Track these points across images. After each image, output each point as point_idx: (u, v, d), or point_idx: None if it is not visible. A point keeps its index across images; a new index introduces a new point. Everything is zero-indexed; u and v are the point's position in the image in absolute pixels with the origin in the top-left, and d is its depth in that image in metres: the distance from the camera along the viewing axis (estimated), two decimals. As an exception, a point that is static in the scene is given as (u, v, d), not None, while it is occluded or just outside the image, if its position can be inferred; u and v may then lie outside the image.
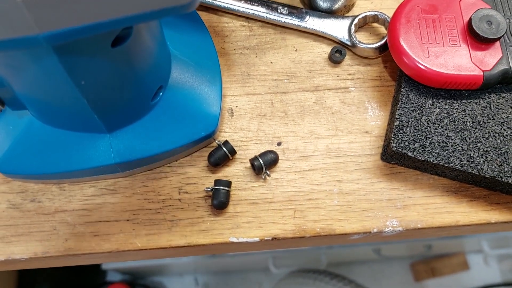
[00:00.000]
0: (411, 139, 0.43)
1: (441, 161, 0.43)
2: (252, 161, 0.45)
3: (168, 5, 0.28)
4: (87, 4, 0.26)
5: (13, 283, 1.09)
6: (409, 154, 0.43)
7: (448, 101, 0.45)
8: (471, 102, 0.45)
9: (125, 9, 0.27)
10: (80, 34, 0.27)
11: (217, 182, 0.43)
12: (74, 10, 0.26)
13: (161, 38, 0.40)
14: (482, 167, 0.43)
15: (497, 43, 0.44)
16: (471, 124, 0.44)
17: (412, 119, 0.44)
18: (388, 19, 0.48)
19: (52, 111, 0.38)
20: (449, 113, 0.44)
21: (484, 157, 0.43)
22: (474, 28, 0.44)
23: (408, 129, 0.44)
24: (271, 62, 0.49)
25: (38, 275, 1.12)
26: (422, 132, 0.44)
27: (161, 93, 0.41)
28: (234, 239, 0.43)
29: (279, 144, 0.46)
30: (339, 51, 0.49)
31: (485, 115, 0.44)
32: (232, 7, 0.50)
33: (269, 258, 1.24)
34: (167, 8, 0.28)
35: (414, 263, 1.42)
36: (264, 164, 0.44)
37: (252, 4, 0.50)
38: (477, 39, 0.44)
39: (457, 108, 0.45)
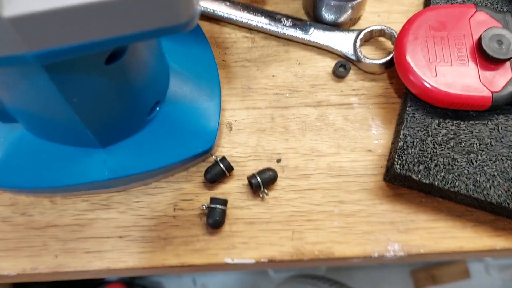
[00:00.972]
0: (416, 160, 0.42)
1: (446, 185, 0.41)
2: (249, 178, 0.43)
3: (163, 25, 0.26)
4: (78, 22, 0.24)
5: (9, 284, 1.08)
6: (413, 176, 0.41)
7: (455, 121, 0.43)
8: (478, 123, 0.43)
9: (118, 28, 0.26)
10: (71, 54, 0.26)
11: (212, 200, 0.42)
12: (64, 29, 0.24)
13: (159, 52, 0.38)
14: (488, 192, 0.41)
15: (507, 63, 0.43)
16: (478, 147, 0.42)
17: (417, 139, 0.42)
18: (395, 34, 0.47)
19: (44, 126, 0.37)
20: (455, 134, 0.43)
21: (490, 182, 0.41)
22: (484, 47, 0.42)
23: (412, 150, 0.42)
24: (272, 76, 0.48)
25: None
26: (427, 153, 0.42)
27: (158, 108, 0.40)
28: (229, 260, 0.42)
29: (278, 161, 0.45)
30: (344, 66, 0.48)
31: (493, 137, 0.43)
32: (234, 18, 0.48)
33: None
34: (163, 28, 0.26)
35: (414, 270, 1.40)
36: (262, 182, 0.43)
37: (255, 15, 0.48)
38: (486, 58, 0.42)
39: (464, 130, 0.43)
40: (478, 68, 0.43)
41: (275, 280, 1.27)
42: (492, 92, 0.42)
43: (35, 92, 0.31)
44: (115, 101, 0.35)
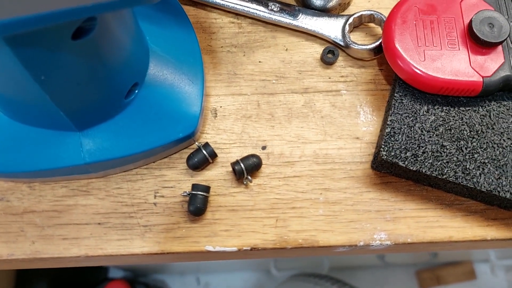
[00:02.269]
0: (403, 147, 0.40)
1: (434, 172, 0.40)
2: (233, 165, 0.42)
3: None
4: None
5: (11, 279, 1.08)
6: (400, 163, 0.40)
7: (444, 108, 0.42)
8: (469, 109, 0.42)
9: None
10: (30, 25, 0.25)
11: (194, 186, 0.41)
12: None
13: (137, 32, 0.37)
14: (478, 180, 0.40)
15: (499, 47, 0.41)
16: (468, 133, 0.41)
17: (405, 126, 0.41)
18: (384, 19, 0.46)
19: (17, 107, 0.36)
20: (445, 120, 0.41)
21: (481, 169, 0.40)
22: (475, 31, 0.41)
23: (400, 136, 0.41)
24: (259, 62, 0.47)
25: (37, 271, 1.10)
26: (415, 140, 0.41)
27: (136, 91, 0.39)
28: (210, 248, 0.41)
29: (263, 148, 0.44)
30: (332, 52, 0.46)
31: (484, 124, 0.42)
32: (221, 2, 0.47)
33: (270, 260, 1.22)
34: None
35: (419, 270, 1.39)
36: (245, 169, 0.42)
37: (242, 0, 0.47)
38: (477, 42, 0.41)
39: (454, 116, 0.42)
40: (468, 52, 0.41)
41: (278, 279, 1.26)
42: (483, 77, 0.41)
43: (1, 69, 0.30)
44: (87, 81, 0.34)
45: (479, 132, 0.41)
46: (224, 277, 1.38)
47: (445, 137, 0.41)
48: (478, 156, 0.40)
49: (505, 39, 0.41)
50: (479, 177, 0.40)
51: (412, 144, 0.40)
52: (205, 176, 0.43)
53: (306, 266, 1.26)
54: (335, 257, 1.24)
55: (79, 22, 0.29)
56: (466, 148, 0.41)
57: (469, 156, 0.40)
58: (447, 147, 0.41)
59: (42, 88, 0.32)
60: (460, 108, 0.42)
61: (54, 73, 0.31)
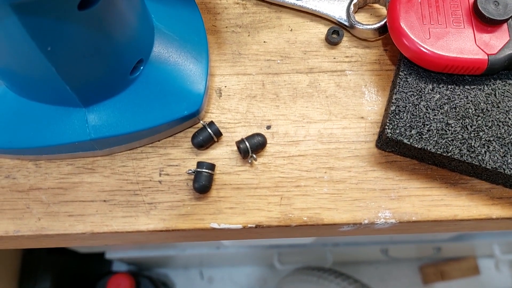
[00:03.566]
0: (408, 125, 0.40)
1: (439, 149, 0.40)
2: (238, 143, 0.42)
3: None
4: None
5: (15, 272, 1.08)
6: (405, 141, 0.40)
7: (449, 86, 0.42)
8: (474, 88, 0.42)
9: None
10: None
11: (199, 164, 0.41)
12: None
13: (142, 8, 0.37)
14: (483, 158, 0.40)
15: (504, 25, 0.41)
16: (474, 112, 0.41)
17: (410, 104, 0.41)
18: (389, -1, 0.46)
19: (24, 82, 0.36)
20: (450, 99, 0.41)
21: (486, 147, 0.40)
22: (480, 8, 0.41)
23: (405, 114, 0.41)
24: (264, 42, 0.47)
25: (41, 264, 1.11)
26: (420, 118, 0.41)
27: (141, 67, 0.39)
28: (215, 225, 0.41)
29: (268, 127, 0.44)
30: (337, 32, 0.46)
31: (489, 102, 0.41)
32: (225, -17, 0.47)
33: (274, 254, 1.22)
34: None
35: (423, 265, 1.38)
36: (250, 148, 0.42)
37: (247, -19, 0.47)
38: (482, 20, 0.41)
39: (459, 94, 0.42)
40: (473, 30, 0.41)
41: (282, 273, 1.26)
42: (488, 55, 0.40)
43: (7, 39, 0.30)
44: (93, 54, 0.34)
45: (484, 111, 0.41)
46: (227, 271, 1.38)
47: (450, 115, 0.41)
48: (483, 134, 0.40)
49: (511, 17, 0.40)
50: (484, 155, 0.40)
51: (417, 122, 0.40)
52: (210, 155, 0.43)
53: (310, 260, 1.26)
54: (339, 251, 1.24)
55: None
56: (471, 126, 0.41)
57: (474, 134, 0.40)
58: (452, 125, 0.41)
59: (49, 60, 0.32)
60: (465, 87, 0.42)
61: (60, 44, 0.31)
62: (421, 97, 0.41)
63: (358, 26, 0.46)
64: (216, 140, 0.43)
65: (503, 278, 1.38)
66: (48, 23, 0.29)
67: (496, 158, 0.40)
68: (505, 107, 0.41)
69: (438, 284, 1.37)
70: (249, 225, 0.41)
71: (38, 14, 0.28)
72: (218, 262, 1.38)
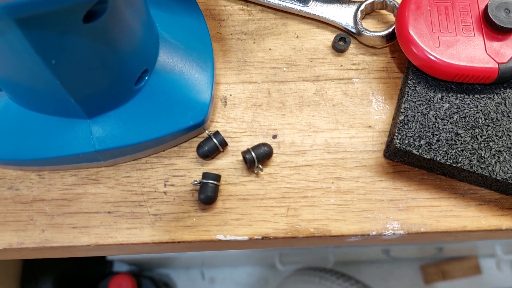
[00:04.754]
0: (417, 135, 0.40)
1: (448, 160, 0.39)
2: (244, 154, 0.42)
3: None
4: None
5: (17, 274, 1.08)
6: (414, 151, 0.39)
7: (459, 95, 0.41)
8: (484, 97, 0.41)
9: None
10: (42, 6, 0.25)
11: (205, 175, 0.40)
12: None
13: (147, 17, 0.37)
14: (493, 169, 0.39)
15: (515, 33, 0.41)
16: (484, 121, 0.40)
17: (419, 113, 0.41)
18: (397, 5, 0.45)
19: (27, 93, 0.36)
20: (459, 108, 0.41)
21: (496, 158, 0.39)
22: (490, 16, 0.40)
23: (414, 124, 0.40)
24: (269, 49, 0.46)
25: (43, 265, 1.10)
26: (429, 128, 0.40)
27: (146, 77, 0.39)
28: (221, 237, 0.40)
29: (274, 136, 0.43)
30: (343, 39, 0.46)
31: (499, 111, 0.41)
32: (230, -11, 0.46)
33: (275, 254, 1.22)
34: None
35: (424, 265, 1.38)
36: (256, 158, 0.41)
37: (252, -13, 0.47)
38: (493, 28, 0.40)
39: (468, 104, 0.41)
40: (484, 38, 0.41)
41: (283, 273, 1.26)
42: (498, 64, 0.40)
43: (11, 53, 0.30)
44: (98, 66, 0.33)
45: (494, 120, 0.41)
46: (229, 272, 1.38)
47: (459, 125, 0.40)
48: (494, 144, 0.40)
49: (522, 25, 0.40)
50: (495, 166, 0.39)
51: (426, 132, 0.40)
52: (215, 165, 0.42)
53: (311, 260, 1.26)
54: (340, 252, 1.23)
55: (90, 4, 0.28)
56: (481, 136, 0.40)
57: (484, 144, 0.40)
58: (462, 135, 0.40)
59: (53, 73, 0.31)
60: (475, 96, 0.41)
61: (65, 57, 0.31)
62: (430, 106, 0.41)
63: (366, 33, 0.45)
64: (221, 150, 0.42)
65: (504, 277, 1.37)
66: (52, 36, 0.29)
67: (506, 168, 0.39)
68: (515, 116, 0.41)
69: (440, 284, 1.36)
70: (255, 237, 0.40)
71: (42, 28, 0.28)
72: (220, 263, 1.38)
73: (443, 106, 0.41)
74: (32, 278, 1.10)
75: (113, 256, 1.16)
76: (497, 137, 0.40)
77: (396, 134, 0.40)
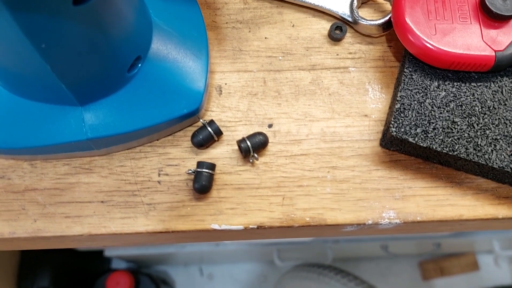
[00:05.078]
0: (413, 123, 0.39)
1: (444, 148, 0.39)
2: (239, 143, 0.41)
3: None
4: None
5: (14, 270, 1.08)
6: (410, 139, 0.39)
7: (455, 83, 0.41)
8: (481, 85, 0.41)
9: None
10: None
11: (199, 164, 0.40)
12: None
13: (139, 3, 0.36)
14: (490, 157, 0.39)
15: (512, 20, 0.40)
16: (480, 109, 0.40)
17: (415, 102, 0.40)
18: (393, -6, 0.44)
19: (18, 80, 0.35)
20: (456, 96, 0.40)
21: (492, 146, 0.39)
22: (487, 3, 0.39)
23: (410, 112, 0.40)
24: (265, 38, 0.46)
25: (40, 261, 1.10)
26: (425, 116, 0.40)
27: (139, 65, 0.38)
28: (216, 226, 0.40)
29: (270, 126, 0.43)
30: (340, 28, 0.45)
31: (496, 100, 0.40)
32: (225, -23, 0.46)
33: (274, 251, 1.22)
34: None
35: (422, 261, 1.38)
36: (252, 147, 0.41)
37: (247, -25, 0.46)
38: (489, 16, 0.40)
39: (465, 92, 0.41)
40: (480, 26, 0.40)
41: (282, 269, 1.26)
42: (495, 51, 0.39)
43: (1, 37, 0.29)
44: (89, 51, 0.33)
45: (491, 108, 0.40)
46: (227, 268, 1.38)
47: (456, 113, 0.40)
48: (490, 132, 0.39)
49: (519, 12, 0.39)
50: (491, 154, 0.39)
51: (423, 120, 0.39)
52: (210, 154, 0.42)
53: (310, 256, 1.26)
54: (339, 248, 1.23)
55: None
56: (477, 124, 0.40)
57: (480, 132, 0.39)
58: (458, 123, 0.40)
59: (43, 58, 0.31)
60: (472, 84, 0.41)
61: (55, 41, 0.30)
62: (427, 94, 0.40)
63: (362, 22, 0.44)
64: (216, 139, 0.42)
65: (502, 273, 1.38)
66: (42, 19, 0.28)
67: (503, 157, 0.39)
68: (512, 104, 0.40)
69: (438, 280, 1.37)
70: (250, 226, 0.40)
71: (32, 10, 0.27)
72: (218, 259, 1.38)
73: (439, 94, 0.40)
74: (30, 274, 1.09)
75: (111, 253, 1.16)
76: (493, 125, 0.40)
77: (392, 122, 0.39)
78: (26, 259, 1.10)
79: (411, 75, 0.41)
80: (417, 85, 0.41)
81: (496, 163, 0.39)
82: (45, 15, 0.28)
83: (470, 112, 0.40)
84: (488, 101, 0.40)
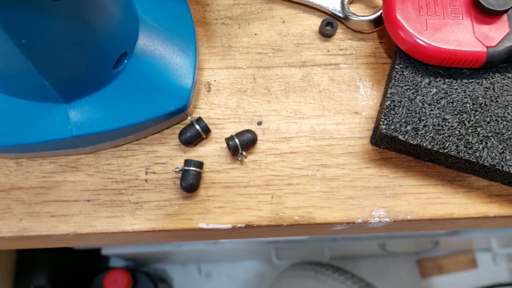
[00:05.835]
0: (403, 120, 0.39)
1: (435, 146, 0.38)
2: (227, 140, 0.41)
3: None
4: None
5: (11, 268, 1.07)
6: (400, 137, 0.38)
7: (446, 80, 0.40)
8: (472, 82, 0.40)
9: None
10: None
11: (187, 162, 0.39)
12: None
13: (125, -1, 0.36)
14: (481, 154, 0.38)
15: (504, 16, 0.40)
16: (471, 106, 0.39)
17: (406, 98, 0.40)
18: (385, -11, 0.44)
19: (0, 77, 0.35)
20: (447, 93, 0.40)
21: (484, 143, 0.38)
22: (479, -2, 0.39)
23: (400, 109, 0.39)
24: (255, 34, 0.45)
25: (37, 260, 1.09)
26: (416, 113, 0.39)
27: (125, 61, 0.38)
28: (203, 225, 0.39)
29: (259, 123, 0.42)
30: (330, 24, 0.45)
31: (488, 96, 0.40)
32: (214, -27, 0.45)
33: (271, 249, 1.21)
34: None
35: (420, 259, 1.38)
36: (240, 144, 0.40)
37: (237, -29, 0.46)
38: (481, 11, 0.39)
39: (456, 88, 0.40)
40: (472, 21, 0.40)
41: (279, 268, 1.25)
42: (487, 47, 0.39)
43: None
44: (72, 47, 0.32)
45: (483, 105, 0.40)
46: (225, 266, 1.37)
47: (447, 110, 0.39)
48: (481, 129, 0.39)
49: (511, 7, 0.39)
50: (482, 151, 0.38)
51: (413, 118, 0.39)
52: (198, 152, 0.41)
53: (307, 255, 1.25)
54: (336, 246, 1.23)
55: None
56: (468, 122, 0.39)
57: (471, 129, 0.39)
58: (449, 120, 0.39)
59: (24, 54, 0.30)
60: (463, 80, 0.40)
61: (36, 36, 0.30)
62: (417, 91, 0.40)
63: (353, 18, 0.44)
64: (204, 137, 0.41)
65: (500, 271, 1.37)
66: (21, 14, 0.28)
67: (494, 154, 0.38)
68: (504, 101, 0.40)
69: (436, 278, 1.36)
70: (238, 225, 0.39)
71: (10, 4, 0.27)
72: (216, 258, 1.37)
73: (430, 91, 0.40)
74: (26, 273, 1.09)
75: (109, 251, 1.15)
76: (485, 123, 0.39)
77: (382, 119, 0.39)
78: (23, 258, 1.10)
79: (402, 71, 0.40)
80: (408, 82, 0.40)
81: (487, 161, 0.38)
82: (24, 10, 0.27)
83: (461, 109, 0.39)
84: (480, 98, 0.40)
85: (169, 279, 1.36)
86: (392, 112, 0.39)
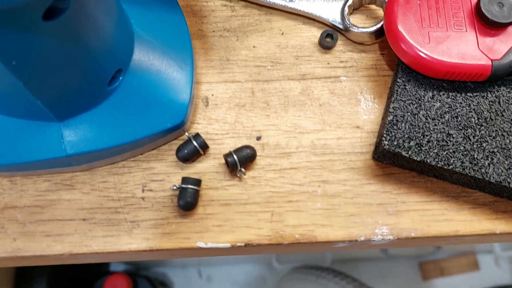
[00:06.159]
0: (406, 136, 0.38)
1: (439, 162, 0.37)
2: (226, 157, 0.40)
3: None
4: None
5: (11, 273, 1.06)
6: (403, 153, 0.37)
7: (450, 94, 0.39)
8: (477, 95, 0.39)
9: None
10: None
11: (184, 180, 0.38)
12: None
13: (119, 13, 0.35)
14: (486, 170, 0.37)
15: (509, 28, 0.39)
16: (476, 121, 0.38)
17: (409, 113, 0.39)
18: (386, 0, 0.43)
19: (-9, 96, 0.34)
20: (451, 107, 0.39)
21: (489, 159, 0.37)
22: (483, 10, 0.38)
23: (403, 124, 0.38)
24: (253, 47, 0.44)
25: (37, 266, 1.09)
26: (419, 128, 0.38)
27: (120, 78, 0.37)
28: (202, 244, 0.38)
29: (258, 138, 0.41)
30: (331, 36, 0.44)
31: (493, 111, 0.39)
32: (212, -16, 0.44)
33: (272, 253, 1.20)
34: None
35: (422, 262, 1.37)
36: (239, 161, 0.39)
37: (235, -19, 0.45)
38: (486, 23, 0.38)
39: (460, 103, 0.39)
40: (476, 34, 0.39)
41: (280, 272, 1.25)
42: (492, 60, 0.38)
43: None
44: (64, 66, 0.31)
45: (488, 120, 0.39)
46: (226, 270, 1.37)
47: (451, 125, 0.38)
48: (487, 145, 0.38)
49: (516, 20, 0.38)
50: (488, 168, 0.37)
51: (416, 133, 0.38)
52: (196, 169, 0.41)
53: (308, 259, 1.25)
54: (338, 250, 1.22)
55: (49, 1, 0.26)
56: (473, 137, 0.38)
57: (477, 145, 0.38)
58: (454, 135, 0.38)
59: (14, 75, 0.29)
60: (468, 94, 0.39)
61: (27, 57, 0.29)
62: (421, 105, 0.39)
63: (353, 29, 0.43)
64: (202, 153, 0.40)
65: (502, 273, 1.37)
66: (10, 35, 0.27)
67: (500, 170, 0.37)
68: (510, 115, 0.39)
69: (438, 280, 1.35)
70: (238, 244, 0.38)
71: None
72: (217, 261, 1.37)
73: (434, 105, 0.39)
74: (27, 278, 1.08)
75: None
76: (490, 138, 0.38)
77: (385, 135, 0.38)
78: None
79: (404, 85, 0.40)
80: (410, 96, 0.39)
81: (493, 177, 0.37)
82: (13, 31, 0.26)
83: (466, 123, 0.38)
84: (485, 112, 0.39)
85: (170, 283, 1.35)
86: (394, 127, 0.38)
